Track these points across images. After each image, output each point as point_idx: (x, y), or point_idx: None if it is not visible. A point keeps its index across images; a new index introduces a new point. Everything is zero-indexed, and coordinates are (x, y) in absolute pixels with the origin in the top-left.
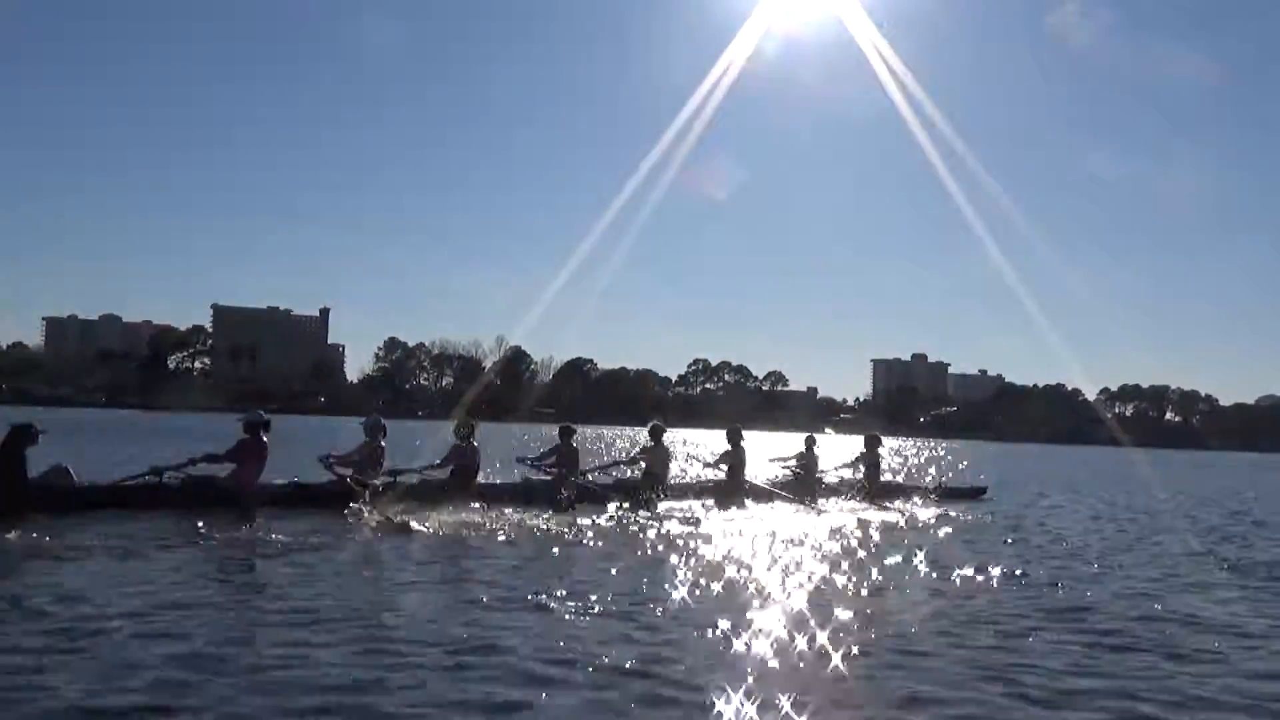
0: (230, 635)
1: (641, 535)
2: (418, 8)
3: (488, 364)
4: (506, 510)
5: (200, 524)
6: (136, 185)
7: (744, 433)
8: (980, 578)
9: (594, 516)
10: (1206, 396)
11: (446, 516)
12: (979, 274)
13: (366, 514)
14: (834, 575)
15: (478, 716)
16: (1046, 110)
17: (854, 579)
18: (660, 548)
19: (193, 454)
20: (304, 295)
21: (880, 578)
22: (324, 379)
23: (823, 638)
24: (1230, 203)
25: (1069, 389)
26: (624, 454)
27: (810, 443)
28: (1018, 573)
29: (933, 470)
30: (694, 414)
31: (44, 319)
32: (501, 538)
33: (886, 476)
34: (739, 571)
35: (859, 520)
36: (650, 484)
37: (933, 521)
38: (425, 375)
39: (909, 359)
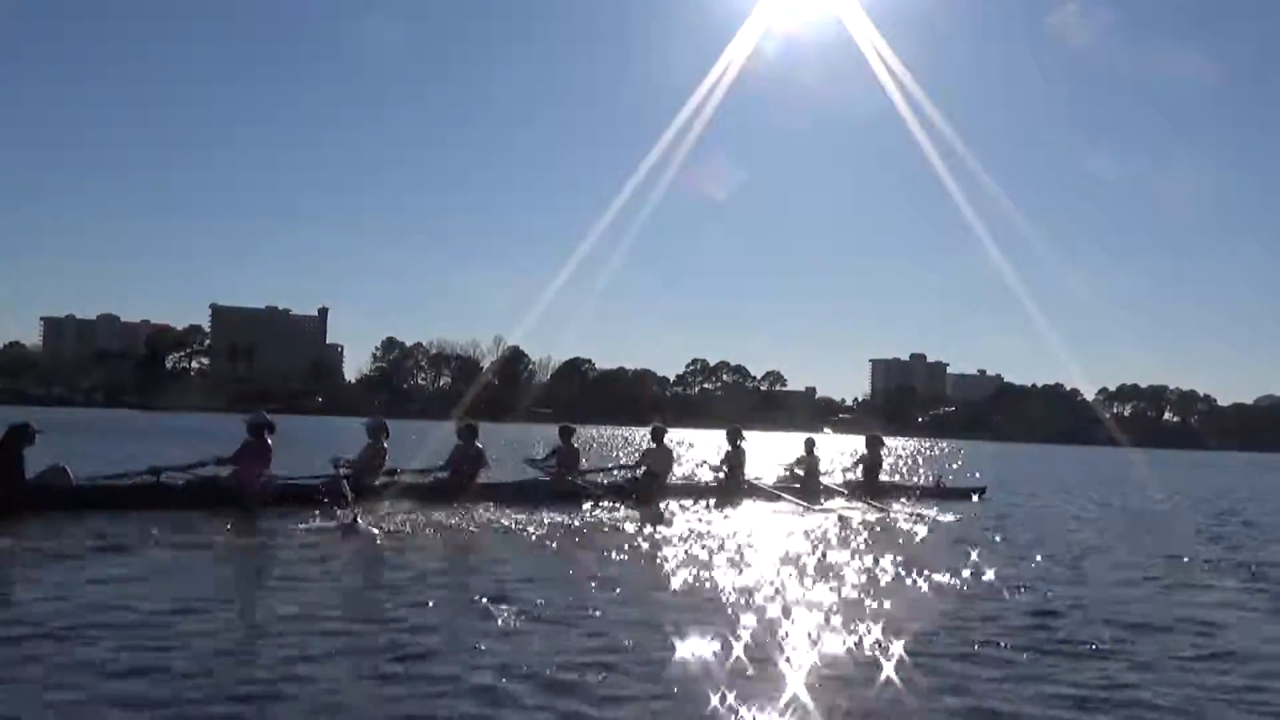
0: (210, 636)
1: (641, 536)
2: (417, 8)
3: (485, 364)
4: (507, 510)
5: (199, 524)
6: (136, 185)
7: (743, 433)
8: (952, 581)
9: (595, 517)
10: (1205, 396)
11: (445, 518)
12: (978, 274)
13: (351, 517)
14: (815, 579)
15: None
16: (1046, 110)
17: (833, 583)
18: (659, 548)
19: (203, 456)
20: (302, 295)
21: (863, 581)
22: (322, 379)
23: (788, 642)
24: (1229, 203)
25: (1067, 389)
26: (623, 454)
27: (810, 444)
28: (989, 576)
29: (921, 470)
30: (692, 414)
31: (42, 319)
32: (499, 538)
33: (885, 477)
34: (734, 572)
35: (855, 522)
36: (651, 485)
37: (928, 522)
38: (423, 375)
39: (908, 359)
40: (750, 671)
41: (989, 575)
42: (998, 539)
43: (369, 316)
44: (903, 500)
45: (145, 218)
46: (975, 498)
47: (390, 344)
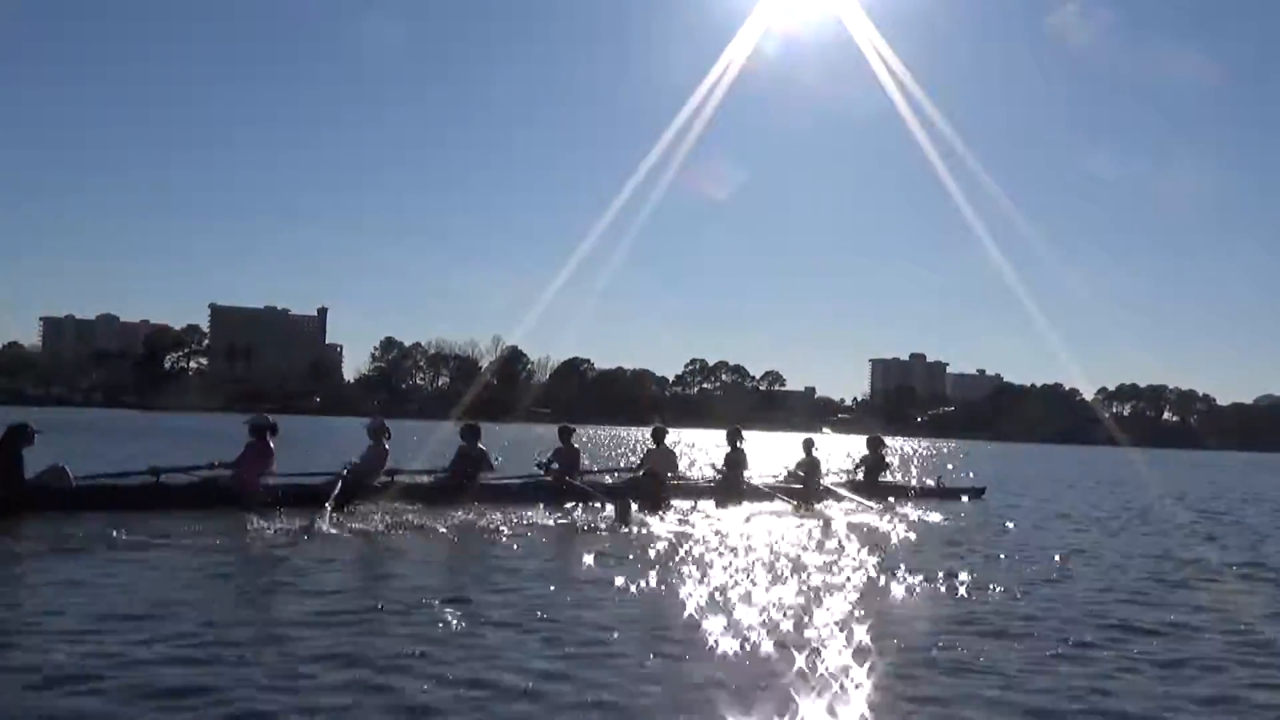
0: (209, 636)
1: (640, 536)
2: (416, 7)
3: (484, 364)
4: (507, 512)
5: (198, 525)
6: (135, 185)
7: (743, 433)
8: (939, 583)
9: (595, 518)
10: (1204, 396)
11: (445, 519)
12: (978, 274)
13: (326, 521)
14: (809, 581)
15: None
16: (1045, 110)
17: (824, 586)
18: (659, 550)
19: (205, 460)
20: (302, 295)
21: (852, 584)
22: (321, 379)
23: (775, 644)
24: (1229, 203)
25: (1067, 389)
26: (622, 454)
27: (809, 445)
28: (979, 578)
29: (914, 469)
30: (691, 414)
31: (41, 319)
32: (499, 539)
33: (888, 477)
34: (731, 574)
35: (853, 523)
36: (652, 485)
37: (925, 524)
38: (421, 375)
39: (907, 359)
40: (736, 672)
41: (978, 577)
42: (993, 540)
43: (368, 316)
44: (902, 501)
45: (145, 218)
46: (974, 499)
47: (389, 344)
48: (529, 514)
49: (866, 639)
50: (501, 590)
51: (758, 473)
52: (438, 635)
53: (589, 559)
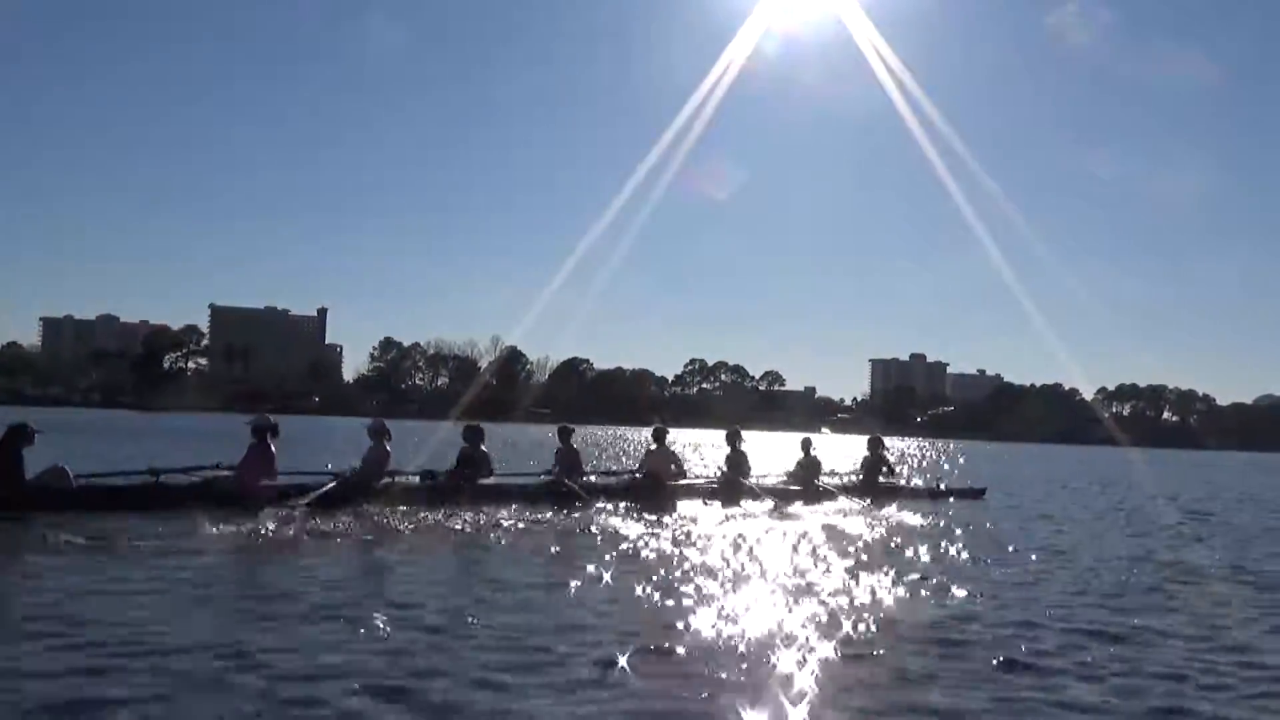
0: (207, 636)
1: (640, 538)
2: (416, 8)
3: (483, 364)
4: (507, 513)
5: (198, 526)
6: (135, 186)
7: (742, 433)
8: (925, 587)
9: (594, 519)
10: (1204, 396)
11: (445, 519)
12: (977, 274)
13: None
14: (801, 583)
15: None
16: (1045, 110)
17: (817, 588)
18: (658, 551)
19: (216, 462)
20: (302, 295)
21: (842, 587)
22: (320, 379)
23: (761, 646)
24: (1228, 202)
25: (1066, 389)
26: (622, 454)
27: (807, 445)
28: (967, 580)
29: (913, 470)
30: (691, 414)
31: (41, 319)
32: (498, 540)
33: (887, 477)
34: (725, 574)
35: (850, 524)
36: (652, 486)
37: (922, 525)
38: (421, 375)
39: (907, 359)
40: (717, 673)
41: (953, 580)
42: (982, 542)
43: (368, 317)
44: (901, 501)
45: (145, 218)
46: (974, 499)
47: (388, 344)
48: (529, 515)
49: (810, 643)
50: (500, 591)
51: (758, 473)
52: (432, 636)
53: (589, 560)
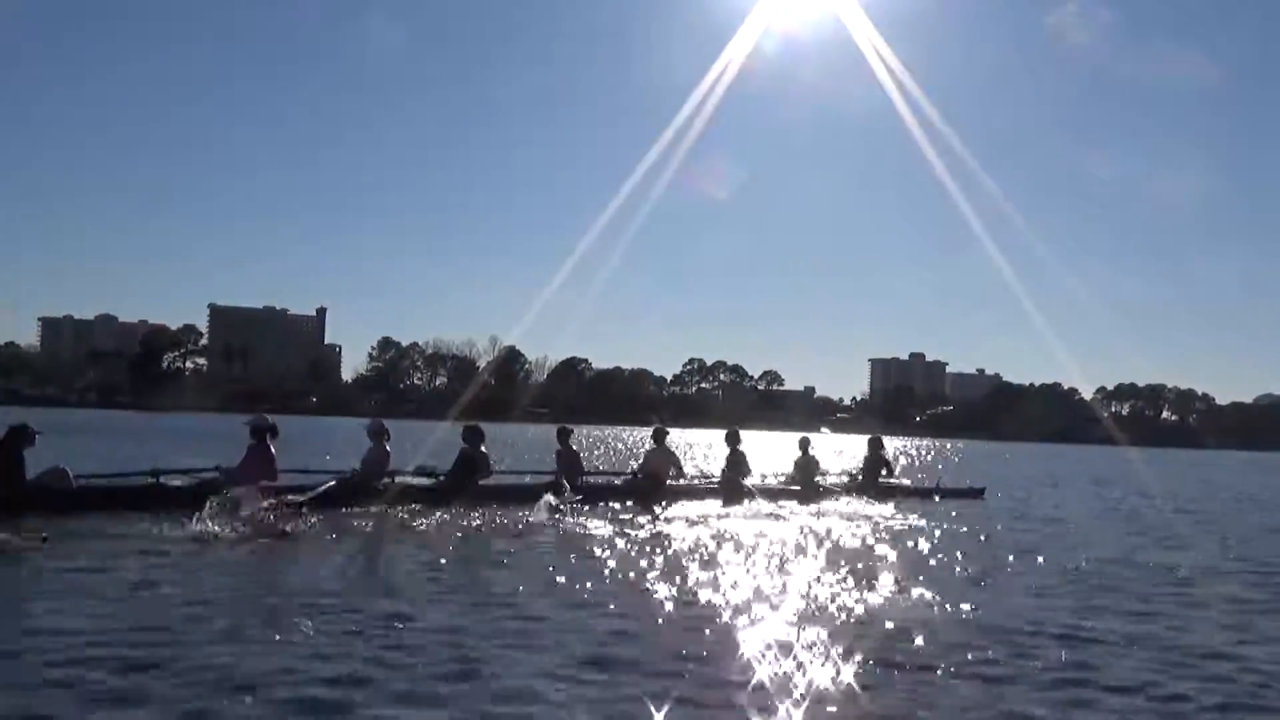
0: (206, 636)
1: (638, 539)
2: (415, 9)
3: (482, 364)
4: (506, 513)
5: (196, 527)
6: (135, 186)
7: (741, 434)
8: (908, 590)
9: (593, 519)
10: (1203, 395)
11: (444, 520)
12: (977, 273)
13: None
14: (794, 584)
15: None
16: (1044, 110)
17: (809, 589)
18: (656, 552)
19: (217, 464)
20: (301, 295)
21: (831, 589)
22: (319, 379)
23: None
24: (1227, 202)
25: (1065, 388)
26: (621, 455)
27: (805, 444)
28: (954, 583)
29: (899, 465)
30: (690, 413)
31: (39, 319)
32: (497, 541)
33: (886, 477)
34: (721, 575)
35: (847, 525)
36: (652, 486)
37: (918, 526)
38: (419, 375)
39: (906, 358)
40: (716, 675)
41: (967, 580)
42: (985, 544)
43: (367, 316)
44: (900, 501)
45: (144, 218)
46: (973, 499)
47: (386, 344)
48: (528, 516)
49: (806, 644)
50: (499, 592)
51: (757, 474)
52: (432, 637)
53: (588, 561)
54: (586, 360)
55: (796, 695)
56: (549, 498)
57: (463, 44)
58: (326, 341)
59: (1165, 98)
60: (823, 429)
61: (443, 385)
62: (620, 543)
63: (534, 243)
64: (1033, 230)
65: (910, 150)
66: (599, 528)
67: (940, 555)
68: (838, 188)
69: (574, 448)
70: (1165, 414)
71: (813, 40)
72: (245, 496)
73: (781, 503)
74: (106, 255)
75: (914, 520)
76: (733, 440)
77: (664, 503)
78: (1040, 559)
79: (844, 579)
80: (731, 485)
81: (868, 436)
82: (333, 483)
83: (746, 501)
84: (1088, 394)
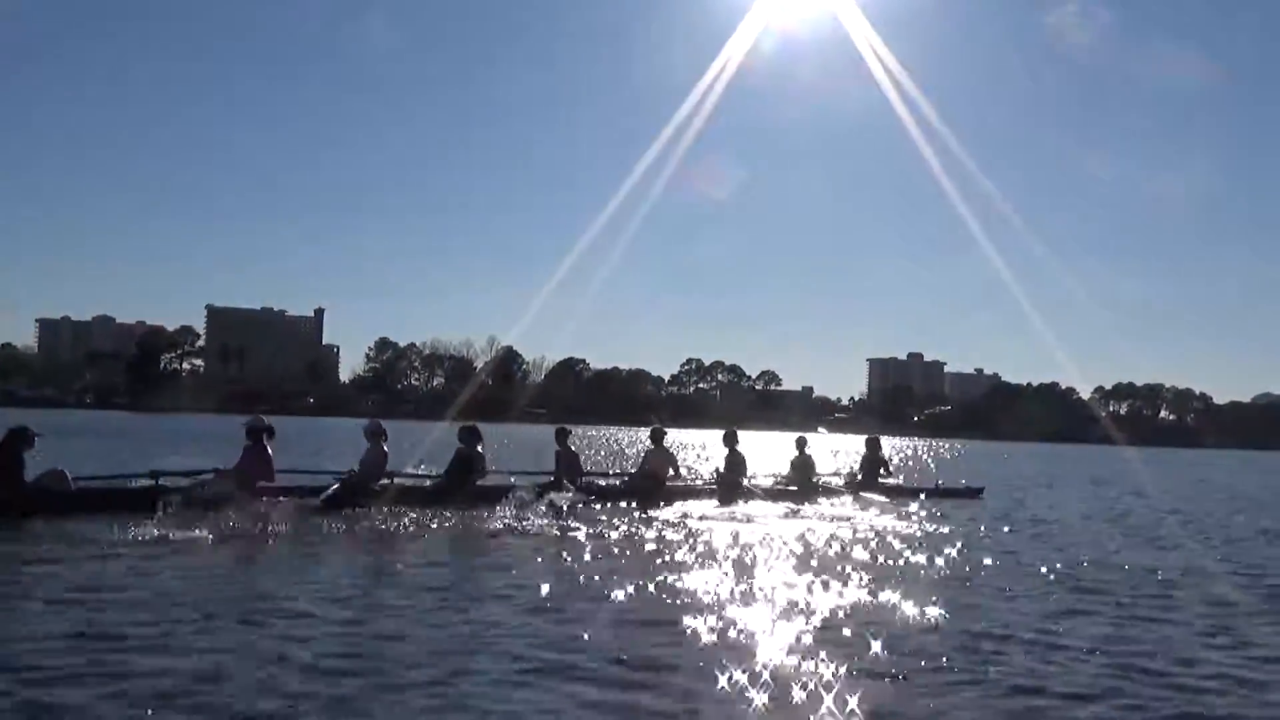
0: (205, 637)
1: (637, 539)
2: (413, 9)
3: (479, 364)
4: (504, 513)
5: (198, 527)
6: (133, 187)
7: (739, 434)
8: (893, 592)
9: (592, 520)
10: (1201, 395)
11: (443, 520)
12: (975, 273)
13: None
14: (787, 585)
15: None
16: (1042, 109)
17: (803, 589)
18: (654, 552)
19: (215, 466)
20: (299, 296)
21: (820, 590)
22: (317, 380)
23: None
24: (1226, 202)
25: (1063, 387)
26: (619, 455)
27: (801, 443)
28: (941, 585)
29: (895, 463)
30: (688, 414)
31: (37, 320)
32: (495, 541)
33: (883, 477)
34: (725, 576)
35: (844, 525)
36: (651, 487)
37: (915, 525)
38: (417, 376)
39: (905, 358)
40: (715, 676)
41: (965, 582)
42: (984, 545)
43: (365, 317)
44: (898, 501)
45: (142, 220)
46: (972, 499)
47: (384, 344)
48: (527, 517)
49: (800, 646)
50: (498, 593)
51: (755, 473)
52: (431, 637)
53: (587, 561)
54: (584, 360)
55: (789, 698)
56: (549, 498)
57: (461, 44)
58: (325, 342)
59: (1165, 98)
60: (821, 429)
61: (440, 386)
62: (619, 543)
63: (532, 243)
64: (1031, 230)
65: (909, 150)
66: (598, 528)
67: (924, 556)
68: (836, 187)
69: (573, 448)
70: (1163, 413)
71: (811, 39)
72: (220, 490)
73: (778, 503)
74: (104, 256)
75: (907, 521)
76: (730, 440)
77: (662, 503)
78: (1024, 560)
79: (822, 581)
80: (730, 485)
81: (865, 437)
82: (337, 485)
83: (744, 502)
84: (1086, 394)
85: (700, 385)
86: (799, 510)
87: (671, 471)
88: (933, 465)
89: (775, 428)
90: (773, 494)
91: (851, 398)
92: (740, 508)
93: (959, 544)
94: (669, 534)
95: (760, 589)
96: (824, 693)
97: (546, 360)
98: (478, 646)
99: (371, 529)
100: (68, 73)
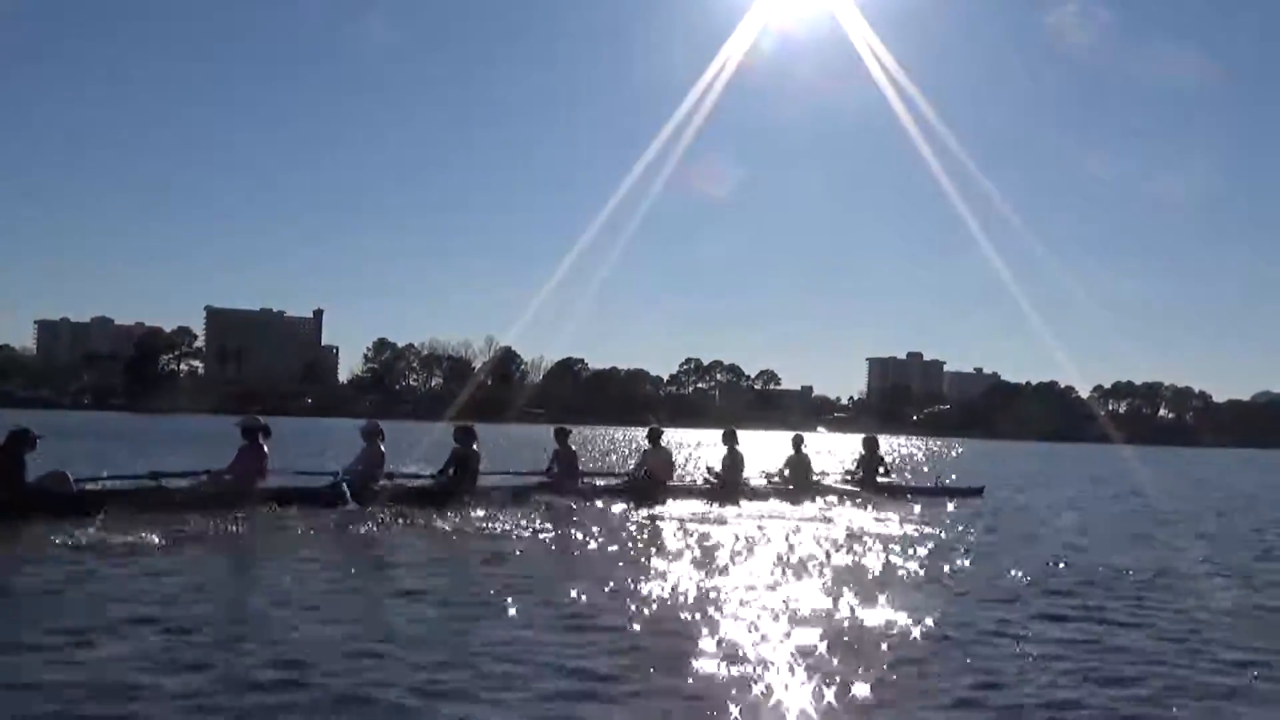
0: (206, 636)
1: (636, 539)
2: (413, 9)
3: (478, 364)
4: (503, 514)
5: (198, 528)
6: (132, 188)
7: (738, 434)
8: (891, 593)
9: (591, 519)
10: (1200, 393)
11: (441, 520)
12: (974, 272)
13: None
14: (783, 585)
15: None
16: (1042, 109)
17: (799, 589)
18: (655, 550)
19: (208, 468)
20: (298, 297)
21: (811, 589)
22: (316, 380)
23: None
24: (1225, 202)
25: (1062, 386)
26: (618, 455)
27: (798, 442)
28: (934, 585)
29: (893, 462)
30: (686, 413)
31: (36, 321)
32: (494, 542)
33: (882, 477)
34: (725, 576)
35: (845, 525)
36: (649, 486)
37: (912, 525)
38: (415, 376)
39: (904, 357)
40: (714, 676)
41: (913, 586)
42: (985, 545)
43: (364, 317)
44: (897, 500)
45: (141, 221)
46: (971, 498)
47: (382, 345)
48: (526, 516)
49: (797, 647)
50: (496, 593)
51: (753, 474)
52: (430, 637)
53: (586, 561)
54: (583, 360)
55: (784, 700)
56: (548, 497)
57: (461, 44)
58: (324, 343)
59: (1164, 98)
60: (820, 428)
61: (438, 386)
62: (617, 543)
63: (531, 243)
64: (1030, 230)
65: (908, 150)
66: (597, 527)
67: (924, 557)
68: (835, 187)
69: (572, 448)
70: (1162, 412)
71: (809, 39)
72: (216, 490)
73: (776, 503)
74: (103, 257)
75: (906, 521)
76: (729, 440)
77: (661, 502)
78: (1024, 560)
79: (820, 583)
80: (728, 485)
81: (863, 436)
82: (331, 484)
83: (744, 501)
84: (1085, 392)
85: (699, 385)
86: (797, 510)
87: (670, 471)
88: (926, 466)
89: (774, 427)
90: (770, 494)
91: (851, 397)
92: (739, 508)
93: (958, 544)
94: (667, 534)
95: (756, 590)
96: (815, 695)
97: (545, 360)
98: (475, 647)
99: (368, 529)
100: (68, 73)
